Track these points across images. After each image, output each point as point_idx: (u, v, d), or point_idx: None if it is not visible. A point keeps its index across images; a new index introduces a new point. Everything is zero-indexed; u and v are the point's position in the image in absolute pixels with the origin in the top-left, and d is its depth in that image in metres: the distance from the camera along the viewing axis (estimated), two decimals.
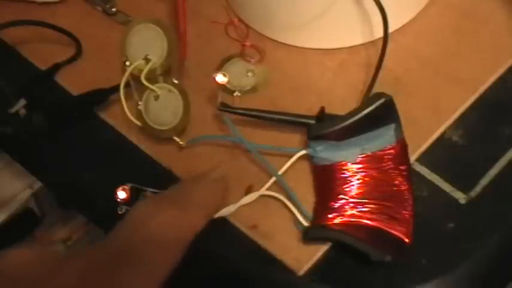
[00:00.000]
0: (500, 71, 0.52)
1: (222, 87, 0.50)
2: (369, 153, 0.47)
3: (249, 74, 0.54)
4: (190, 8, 0.55)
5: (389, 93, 0.47)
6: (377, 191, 0.46)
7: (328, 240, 0.46)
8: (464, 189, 0.48)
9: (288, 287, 0.46)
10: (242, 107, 0.50)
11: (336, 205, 0.46)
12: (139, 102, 0.51)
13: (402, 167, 0.47)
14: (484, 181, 0.48)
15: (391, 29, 0.51)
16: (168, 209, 0.43)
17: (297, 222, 0.47)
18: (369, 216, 0.46)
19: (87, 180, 0.52)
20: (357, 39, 0.54)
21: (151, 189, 0.49)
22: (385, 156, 0.47)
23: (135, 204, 0.44)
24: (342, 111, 0.48)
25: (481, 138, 0.50)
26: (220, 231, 0.47)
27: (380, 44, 0.51)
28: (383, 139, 0.47)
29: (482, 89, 0.52)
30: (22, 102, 0.52)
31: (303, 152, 0.48)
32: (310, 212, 0.47)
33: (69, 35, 0.58)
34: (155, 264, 0.41)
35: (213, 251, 0.47)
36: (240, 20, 0.57)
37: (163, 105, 0.51)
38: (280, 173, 0.47)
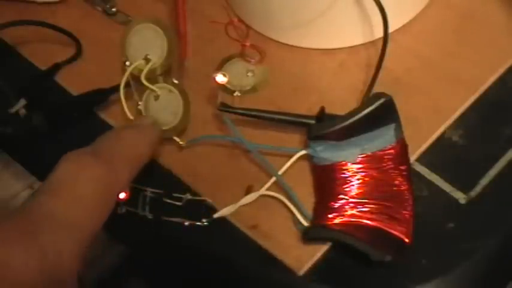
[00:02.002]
0: (500, 71, 0.52)
1: (222, 87, 0.50)
2: (369, 153, 0.47)
3: (249, 74, 0.54)
4: (190, 8, 0.55)
5: (389, 93, 0.47)
6: (377, 191, 0.46)
7: (328, 240, 0.46)
8: (464, 189, 0.48)
9: (288, 287, 0.46)
10: (242, 107, 0.50)
11: (336, 205, 0.46)
12: (139, 102, 0.51)
13: (402, 167, 0.47)
14: (484, 181, 0.48)
15: (391, 29, 0.51)
16: (92, 166, 0.41)
17: (297, 222, 0.47)
18: (369, 216, 0.46)
19: None
20: (357, 39, 0.54)
21: (151, 189, 0.49)
22: (385, 156, 0.47)
23: (57, 163, 0.42)
24: (342, 111, 0.48)
25: (481, 138, 0.50)
26: (220, 231, 0.47)
27: (380, 44, 0.51)
28: (383, 139, 0.47)
29: (482, 89, 0.52)
30: (22, 102, 0.52)
31: (303, 152, 0.48)
32: (310, 212, 0.47)
33: (69, 35, 0.58)
34: (79, 225, 0.39)
35: (213, 251, 0.47)
36: (240, 20, 0.57)
37: (163, 105, 0.51)
38: (280, 173, 0.47)
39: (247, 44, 0.56)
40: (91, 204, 0.40)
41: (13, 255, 0.36)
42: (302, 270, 0.46)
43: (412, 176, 0.47)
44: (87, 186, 0.41)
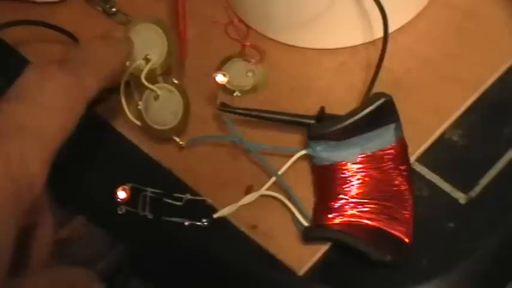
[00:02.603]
0: (501, 71, 0.52)
1: (222, 87, 0.50)
2: (369, 153, 0.47)
3: (249, 74, 0.54)
4: (190, 8, 0.55)
5: (389, 93, 0.47)
6: (377, 191, 0.46)
7: (328, 240, 0.46)
8: (464, 189, 0.48)
9: (288, 287, 0.46)
10: (242, 107, 0.50)
11: (336, 205, 0.46)
12: (139, 102, 0.51)
13: (402, 167, 0.47)
14: (484, 181, 0.48)
15: (391, 29, 0.51)
16: (57, 74, 0.41)
17: (297, 222, 0.47)
18: (368, 216, 0.46)
19: (87, 180, 0.52)
20: (357, 39, 0.54)
21: (151, 189, 0.49)
22: (385, 156, 0.47)
23: (22, 73, 0.41)
24: (342, 111, 0.48)
25: (481, 138, 0.50)
26: (220, 231, 0.47)
27: (380, 44, 0.51)
28: (383, 139, 0.47)
29: (482, 89, 0.52)
30: None
31: (303, 152, 0.48)
32: (310, 212, 0.47)
33: (69, 35, 0.58)
34: (45, 132, 0.39)
35: (213, 251, 0.47)
36: (240, 20, 0.57)
37: (163, 105, 0.51)
38: (280, 173, 0.47)
39: (247, 44, 0.56)
40: (56, 111, 0.40)
41: None
42: (302, 270, 0.46)
43: (412, 176, 0.47)
44: (53, 93, 0.40)
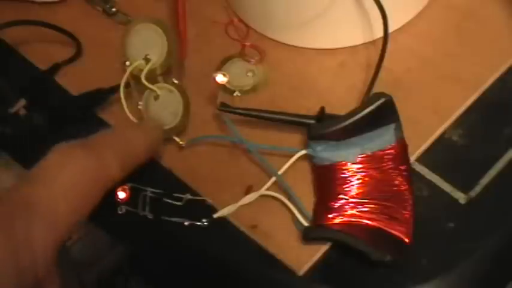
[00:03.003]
0: (501, 71, 0.52)
1: (222, 87, 0.50)
2: (369, 153, 0.47)
3: (249, 74, 0.54)
4: (190, 8, 0.55)
5: (389, 93, 0.47)
6: (377, 191, 0.46)
7: (328, 240, 0.46)
8: (464, 189, 0.48)
9: (288, 287, 0.46)
10: (242, 107, 0.50)
11: (336, 205, 0.46)
12: (139, 102, 0.51)
13: (402, 167, 0.47)
14: (484, 181, 0.48)
15: (391, 29, 0.51)
16: (81, 158, 0.40)
17: (297, 222, 0.47)
18: (368, 216, 0.46)
19: None
20: (357, 39, 0.54)
21: (152, 189, 0.49)
22: (385, 156, 0.47)
23: (48, 153, 0.41)
24: (342, 111, 0.48)
25: (481, 138, 0.50)
26: (220, 231, 0.47)
27: (380, 44, 0.51)
28: (383, 139, 0.47)
29: (482, 89, 0.52)
30: (22, 102, 0.52)
31: (303, 152, 0.48)
32: (310, 212, 0.47)
33: (69, 35, 0.58)
34: (57, 215, 0.38)
35: (213, 251, 0.47)
36: (240, 20, 0.57)
37: (163, 105, 0.51)
38: (280, 173, 0.47)
39: (247, 44, 0.56)
40: (73, 195, 0.39)
41: None
42: (302, 270, 0.46)
43: (412, 176, 0.47)
44: (72, 177, 0.40)
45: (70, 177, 0.40)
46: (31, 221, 0.37)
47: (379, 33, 0.52)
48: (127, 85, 0.51)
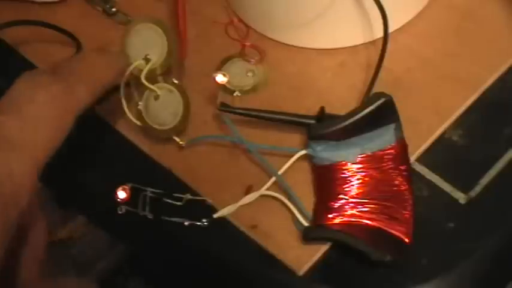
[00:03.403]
0: (501, 71, 0.52)
1: (222, 87, 0.50)
2: (369, 153, 0.47)
3: (249, 74, 0.54)
4: (190, 8, 0.55)
5: (389, 93, 0.47)
6: (377, 191, 0.46)
7: (328, 240, 0.46)
8: (464, 189, 0.48)
9: (288, 287, 0.46)
10: (242, 107, 0.50)
11: (336, 205, 0.46)
12: (139, 102, 0.51)
13: (402, 167, 0.47)
14: (484, 181, 0.48)
15: (391, 29, 0.51)
16: (49, 85, 0.40)
17: (297, 222, 0.47)
18: (368, 216, 0.46)
19: (87, 180, 0.52)
20: (357, 39, 0.54)
21: (151, 189, 0.49)
22: (385, 156, 0.47)
23: (14, 83, 0.41)
24: (342, 111, 0.48)
25: (481, 138, 0.50)
26: (220, 231, 0.47)
27: (380, 44, 0.51)
28: (383, 139, 0.47)
29: (482, 89, 0.52)
30: None
31: (303, 152, 0.48)
32: (310, 212, 0.47)
33: (69, 35, 0.58)
34: (33, 145, 0.38)
35: (213, 251, 0.47)
36: (240, 20, 0.57)
37: (163, 105, 0.51)
38: (280, 173, 0.47)
39: (247, 44, 0.56)
40: (46, 123, 0.39)
41: None
42: (302, 270, 0.46)
43: (412, 176, 0.47)
44: (42, 105, 0.40)
45: (41, 106, 0.39)
46: (7, 152, 0.37)
47: (379, 33, 0.52)
48: (127, 85, 0.51)
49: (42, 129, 0.39)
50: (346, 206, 0.46)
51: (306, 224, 0.46)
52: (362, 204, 0.46)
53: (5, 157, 0.37)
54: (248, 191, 0.48)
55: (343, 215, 0.46)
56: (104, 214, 0.50)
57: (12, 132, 0.38)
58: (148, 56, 0.51)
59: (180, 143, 0.51)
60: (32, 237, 0.40)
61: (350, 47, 0.55)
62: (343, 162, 0.47)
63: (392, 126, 0.47)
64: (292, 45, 0.55)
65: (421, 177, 0.48)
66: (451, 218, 0.46)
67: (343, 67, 0.54)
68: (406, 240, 0.45)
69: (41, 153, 0.39)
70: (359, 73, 0.53)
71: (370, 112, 0.46)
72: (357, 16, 0.52)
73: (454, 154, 0.49)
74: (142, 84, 0.51)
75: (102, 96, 0.46)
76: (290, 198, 0.47)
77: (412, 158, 0.49)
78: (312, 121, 0.49)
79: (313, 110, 0.50)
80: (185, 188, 0.49)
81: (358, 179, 0.47)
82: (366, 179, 0.47)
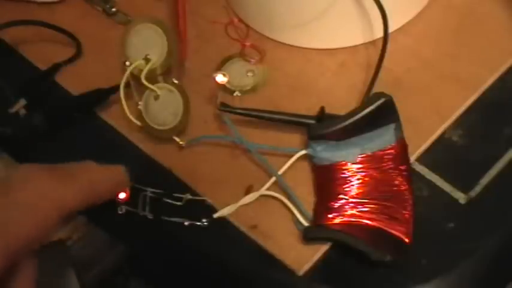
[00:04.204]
0: (501, 71, 0.52)
1: (222, 87, 0.50)
2: (369, 153, 0.47)
3: (249, 74, 0.54)
4: (190, 8, 0.55)
5: (389, 93, 0.47)
6: (377, 191, 0.46)
7: (328, 240, 0.46)
8: (464, 189, 0.48)
9: (288, 287, 0.46)
10: (242, 107, 0.50)
11: (336, 205, 0.46)
12: (139, 102, 0.51)
13: (402, 167, 0.47)
14: (484, 181, 0.48)
15: (391, 29, 0.51)
16: (45, 180, 0.40)
17: (297, 222, 0.47)
18: (368, 216, 0.46)
19: None
20: (357, 39, 0.54)
21: (151, 189, 0.49)
22: (385, 156, 0.47)
23: (19, 167, 0.41)
24: (342, 111, 0.48)
25: (481, 138, 0.50)
26: (220, 231, 0.47)
27: (380, 44, 0.51)
28: (383, 139, 0.47)
29: (482, 89, 0.52)
30: (22, 102, 0.52)
31: (303, 152, 0.48)
32: (310, 212, 0.47)
33: (69, 35, 0.58)
34: (10, 234, 0.38)
35: (213, 251, 0.47)
36: (240, 20, 0.57)
37: (163, 105, 0.51)
38: (280, 173, 0.47)
39: (247, 44, 0.56)
40: (29, 212, 0.39)
41: None
42: (302, 270, 0.46)
43: (412, 176, 0.47)
44: (31, 194, 0.40)
45: (29, 196, 0.40)
46: None
47: (379, 33, 0.52)
48: (127, 85, 0.51)
49: (22, 218, 0.39)
50: (346, 206, 0.46)
51: (306, 224, 0.46)
52: (362, 204, 0.46)
53: None
54: (248, 191, 0.48)
55: (343, 215, 0.46)
56: (104, 214, 0.50)
57: None
58: (148, 56, 0.51)
59: (180, 143, 0.51)
60: (21, 272, 0.40)
61: (350, 47, 0.55)
62: (343, 162, 0.47)
63: (392, 126, 0.47)
64: (292, 45, 0.55)
65: (421, 177, 0.48)
66: (451, 218, 0.46)
67: (343, 67, 0.54)
68: (406, 240, 0.45)
69: (17, 240, 0.38)
70: (359, 73, 0.53)
71: (370, 112, 0.46)
72: (357, 16, 0.52)
73: (454, 154, 0.49)
74: (142, 84, 0.51)
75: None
76: (290, 198, 0.47)
77: (412, 158, 0.49)
78: (312, 121, 0.49)
79: (313, 110, 0.50)
80: (185, 188, 0.49)
81: (358, 179, 0.47)
82: (366, 179, 0.47)
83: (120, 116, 0.52)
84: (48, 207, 0.40)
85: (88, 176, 0.43)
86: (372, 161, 0.47)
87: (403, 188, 0.46)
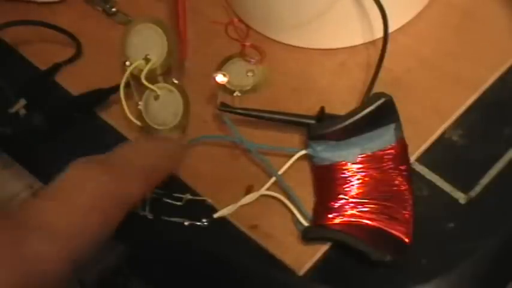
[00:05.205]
0: (501, 70, 0.52)
1: (222, 87, 0.50)
2: (369, 153, 0.47)
3: (249, 74, 0.54)
4: (190, 8, 0.55)
5: (389, 93, 0.47)
6: (377, 191, 0.46)
7: (328, 240, 0.46)
8: (464, 189, 0.47)
9: (288, 287, 0.46)
10: (242, 107, 0.50)
11: (336, 205, 0.46)
12: (139, 102, 0.51)
13: (402, 167, 0.47)
14: (484, 181, 0.48)
15: (391, 29, 0.51)
16: (100, 175, 0.39)
17: (297, 222, 0.47)
18: (369, 216, 0.46)
19: None
20: (357, 39, 0.54)
21: None
22: (385, 156, 0.47)
23: (65, 170, 0.39)
24: (342, 111, 0.48)
25: (481, 138, 0.50)
26: (220, 231, 0.47)
27: (380, 44, 0.51)
28: (383, 139, 0.47)
29: (482, 88, 0.52)
30: (22, 102, 0.52)
31: (303, 152, 0.48)
32: (310, 212, 0.47)
33: (69, 35, 0.58)
34: (73, 239, 0.37)
35: (213, 251, 0.47)
36: (240, 20, 0.57)
37: (163, 105, 0.51)
38: (280, 173, 0.47)
39: (247, 44, 0.55)
40: (93, 216, 0.38)
41: None
42: (302, 270, 0.46)
43: (412, 176, 0.47)
44: (92, 196, 0.38)
45: (90, 197, 0.38)
46: (45, 239, 0.36)
47: (379, 33, 0.52)
48: (127, 85, 0.51)
49: (88, 222, 0.38)
50: (346, 206, 0.46)
51: (306, 224, 0.46)
52: (362, 204, 0.46)
53: (41, 243, 0.36)
54: (248, 191, 0.48)
55: (343, 215, 0.46)
56: None
57: (57, 221, 0.37)
58: (148, 56, 0.51)
59: None
60: None
61: (350, 47, 0.55)
62: (343, 162, 0.47)
63: (392, 126, 0.47)
64: (292, 45, 0.55)
65: (421, 177, 0.48)
66: (451, 218, 0.46)
67: (343, 67, 0.54)
68: (406, 240, 0.45)
69: (83, 248, 0.37)
70: (359, 73, 0.53)
71: (370, 112, 0.46)
72: (357, 16, 0.52)
73: (454, 154, 0.49)
74: (142, 84, 0.51)
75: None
76: (290, 198, 0.47)
77: (412, 158, 0.49)
78: (312, 121, 0.49)
79: (313, 110, 0.50)
80: (185, 188, 0.49)
81: (358, 179, 0.47)
82: (366, 179, 0.47)
83: (120, 116, 0.52)
84: (112, 207, 0.39)
85: (145, 162, 0.41)
86: (372, 161, 0.47)
87: (403, 188, 0.46)
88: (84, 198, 0.38)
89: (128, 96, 0.51)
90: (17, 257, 0.35)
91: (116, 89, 0.52)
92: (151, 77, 0.51)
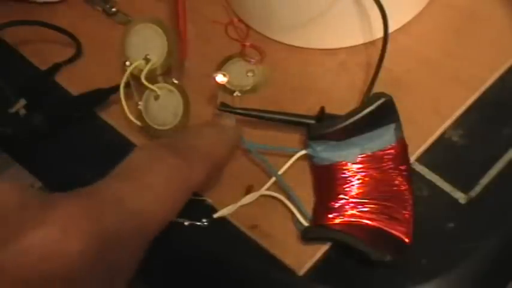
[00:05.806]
0: (501, 71, 0.52)
1: (222, 87, 0.50)
2: (369, 153, 0.47)
3: (249, 74, 0.54)
4: (190, 8, 0.55)
5: (389, 93, 0.47)
6: (377, 191, 0.46)
7: (328, 240, 0.46)
8: (464, 189, 0.47)
9: (288, 287, 0.46)
10: (242, 107, 0.50)
11: (336, 205, 0.46)
12: (139, 102, 0.51)
13: (402, 167, 0.47)
14: (484, 181, 0.48)
15: (391, 29, 0.51)
16: (167, 157, 0.39)
17: (297, 222, 0.47)
18: (369, 216, 0.46)
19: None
20: (357, 39, 0.54)
21: None
22: (385, 156, 0.47)
23: (132, 152, 0.40)
24: (342, 111, 0.48)
25: (481, 138, 0.50)
26: (220, 231, 0.47)
27: (380, 44, 0.51)
28: (383, 139, 0.47)
29: (482, 89, 0.52)
30: (22, 102, 0.52)
31: (303, 152, 0.48)
32: (310, 212, 0.47)
33: (69, 35, 0.58)
34: (146, 213, 0.37)
35: (213, 251, 0.47)
36: (240, 20, 0.57)
37: (163, 105, 0.51)
38: (280, 173, 0.47)
39: (247, 44, 0.56)
40: (162, 194, 0.38)
41: (72, 236, 0.33)
42: (302, 270, 0.46)
43: (412, 176, 0.47)
44: (160, 176, 0.39)
45: (157, 176, 0.39)
46: (122, 218, 0.36)
47: (379, 33, 0.52)
48: (127, 85, 0.51)
49: (155, 199, 0.38)
50: (346, 206, 0.46)
51: (306, 224, 0.46)
52: (362, 204, 0.46)
53: (119, 221, 0.36)
54: (248, 191, 0.48)
55: (343, 215, 0.46)
56: None
57: (125, 197, 0.37)
58: (148, 56, 0.51)
59: None
60: None
61: (350, 47, 0.55)
62: (343, 162, 0.47)
63: (392, 126, 0.47)
64: (292, 45, 0.55)
65: (421, 177, 0.48)
66: (451, 218, 0.46)
67: (343, 67, 0.54)
68: (406, 240, 0.45)
69: (151, 223, 0.38)
70: (359, 73, 0.53)
71: (370, 112, 0.46)
72: (357, 16, 0.52)
73: (454, 154, 0.49)
74: (142, 84, 0.51)
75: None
76: (290, 198, 0.47)
77: (412, 158, 0.49)
78: (312, 121, 0.49)
79: (313, 110, 0.50)
80: None
81: (358, 179, 0.47)
82: (366, 179, 0.47)
83: (120, 116, 0.52)
84: (178, 188, 0.39)
85: (208, 148, 0.42)
86: (372, 161, 0.47)
87: (403, 188, 0.46)
88: (153, 177, 0.38)
89: (128, 96, 0.51)
90: (97, 231, 0.35)
91: (115, 89, 0.52)
92: (151, 77, 0.51)
